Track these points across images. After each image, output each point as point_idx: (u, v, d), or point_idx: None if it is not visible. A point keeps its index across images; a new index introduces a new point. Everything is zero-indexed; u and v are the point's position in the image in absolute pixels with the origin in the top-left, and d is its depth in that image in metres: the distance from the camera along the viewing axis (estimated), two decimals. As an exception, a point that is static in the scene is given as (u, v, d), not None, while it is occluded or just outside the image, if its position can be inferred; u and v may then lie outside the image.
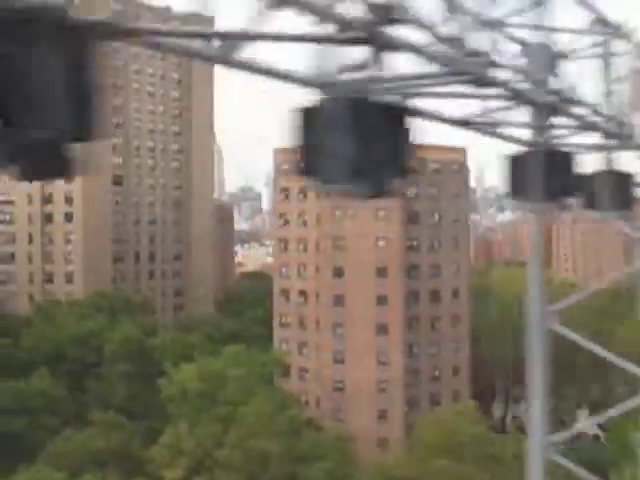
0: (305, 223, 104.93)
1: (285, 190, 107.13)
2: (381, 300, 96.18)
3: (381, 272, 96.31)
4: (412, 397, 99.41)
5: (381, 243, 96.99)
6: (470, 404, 67.65)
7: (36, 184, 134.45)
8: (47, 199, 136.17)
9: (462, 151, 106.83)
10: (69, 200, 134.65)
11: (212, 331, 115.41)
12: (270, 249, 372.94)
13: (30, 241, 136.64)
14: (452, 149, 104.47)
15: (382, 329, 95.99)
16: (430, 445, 65.05)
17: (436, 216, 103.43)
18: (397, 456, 66.34)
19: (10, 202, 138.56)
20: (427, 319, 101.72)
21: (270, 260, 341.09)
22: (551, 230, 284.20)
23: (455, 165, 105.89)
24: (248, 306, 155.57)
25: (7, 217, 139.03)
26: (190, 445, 72.63)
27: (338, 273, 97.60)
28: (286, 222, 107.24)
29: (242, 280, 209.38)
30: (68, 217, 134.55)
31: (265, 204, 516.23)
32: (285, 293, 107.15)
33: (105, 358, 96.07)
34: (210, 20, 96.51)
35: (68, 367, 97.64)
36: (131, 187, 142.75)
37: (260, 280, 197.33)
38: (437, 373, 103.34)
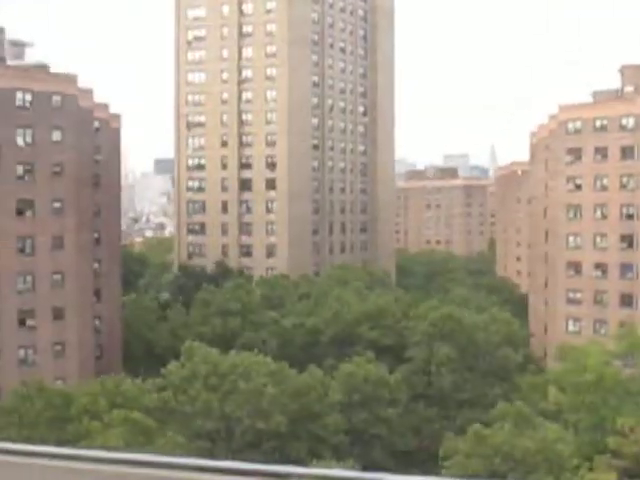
0: (604, 187, 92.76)
1: (575, 151, 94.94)
2: None
3: None
4: None
5: None
6: None
7: (232, 147, 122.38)
8: (245, 164, 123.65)
9: None
10: (271, 165, 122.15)
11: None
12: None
13: (224, 210, 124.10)
14: None
15: None
16: None
17: None
18: None
19: (201, 167, 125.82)
20: None
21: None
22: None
23: None
24: (412, 280, 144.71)
25: (197, 184, 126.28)
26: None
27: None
28: (577, 186, 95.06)
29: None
30: (270, 184, 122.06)
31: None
32: (575, 266, 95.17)
33: (410, 340, 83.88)
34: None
35: (360, 349, 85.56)
36: (326, 151, 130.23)
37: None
38: None
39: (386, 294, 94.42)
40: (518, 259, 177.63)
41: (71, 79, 77.53)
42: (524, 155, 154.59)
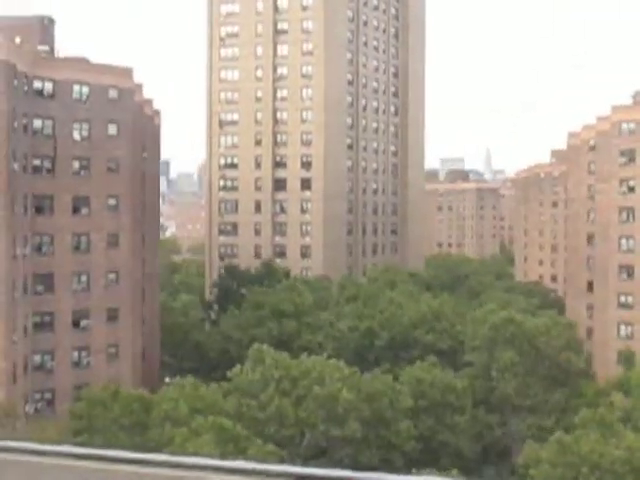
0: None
1: (629, 152, 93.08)
2: None
3: None
4: None
5: None
6: None
7: (267, 146, 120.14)
8: (279, 163, 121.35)
9: None
10: (306, 164, 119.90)
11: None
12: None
13: (258, 210, 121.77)
14: None
15: None
16: None
17: None
18: None
19: (233, 166, 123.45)
20: None
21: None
22: None
23: None
24: (440, 282, 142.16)
25: (229, 183, 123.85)
26: None
27: None
28: (630, 189, 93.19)
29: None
30: (305, 183, 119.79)
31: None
32: (627, 269, 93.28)
33: (467, 344, 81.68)
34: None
35: (416, 353, 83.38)
36: (359, 151, 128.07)
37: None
38: None
39: (434, 297, 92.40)
40: (541, 263, 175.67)
41: (127, 72, 75.17)
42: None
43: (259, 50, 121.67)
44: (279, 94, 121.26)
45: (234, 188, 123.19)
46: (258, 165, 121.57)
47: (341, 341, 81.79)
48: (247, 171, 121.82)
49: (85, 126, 72.02)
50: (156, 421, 51.20)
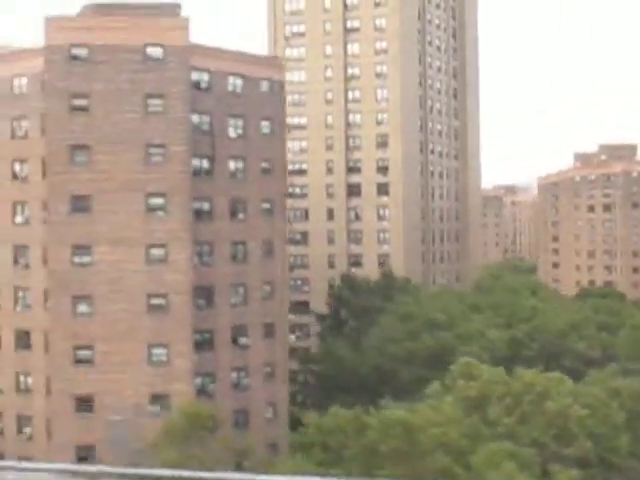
0: None
1: None
2: None
3: None
4: None
5: None
6: None
7: (339, 150, 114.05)
8: (352, 168, 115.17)
9: None
10: (382, 169, 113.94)
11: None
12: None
13: (330, 218, 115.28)
14: None
15: None
16: None
17: None
18: None
19: (302, 172, 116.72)
20: None
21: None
22: None
23: None
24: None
25: (298, 190, 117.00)
26: None
27: None
28: None
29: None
30: (380, 189, 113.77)
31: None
32: None
33: (621, 352, 76.60)
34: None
35: (568, 363, 77.94)
36: (428, 154, 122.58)
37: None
38: None
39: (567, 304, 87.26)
40: (578, 268, 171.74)
41: (277, 63, 68.72)
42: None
43: (328, 49, 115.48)
44: (351, 95, 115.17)
45: (304, 195, 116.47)
46: (329, 170, 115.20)
47: (491, 352, 75.94)
48: (318, 177, 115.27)
49: (240, 122, 65.43)
50: (427, 448, 44.60)
